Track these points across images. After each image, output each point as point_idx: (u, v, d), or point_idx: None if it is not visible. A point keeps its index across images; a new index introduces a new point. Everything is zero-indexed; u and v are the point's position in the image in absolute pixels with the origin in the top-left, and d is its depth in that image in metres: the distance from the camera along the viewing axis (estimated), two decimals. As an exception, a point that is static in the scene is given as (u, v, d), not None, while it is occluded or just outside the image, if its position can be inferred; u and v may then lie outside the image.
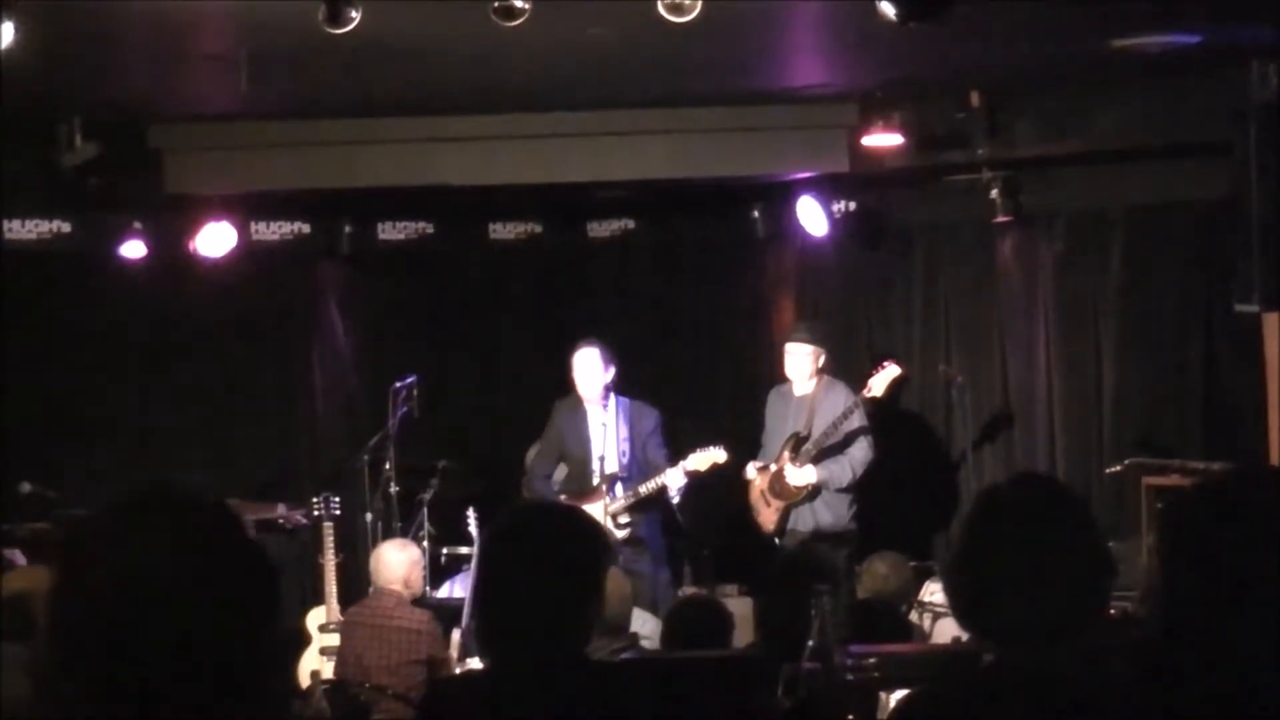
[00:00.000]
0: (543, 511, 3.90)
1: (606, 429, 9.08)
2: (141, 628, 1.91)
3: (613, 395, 9.11)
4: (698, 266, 11.15)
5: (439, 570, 9.27)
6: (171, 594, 1.92)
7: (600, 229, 11.39)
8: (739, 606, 8.08)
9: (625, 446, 9.04)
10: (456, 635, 7.88)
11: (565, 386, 9.22)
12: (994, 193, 9.64)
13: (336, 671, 7.82)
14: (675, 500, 8.96)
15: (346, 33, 6.57)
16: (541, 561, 3.20)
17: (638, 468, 9.01)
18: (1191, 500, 2.68)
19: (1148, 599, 4.76)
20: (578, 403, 9.15)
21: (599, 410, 9.10)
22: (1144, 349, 9.61)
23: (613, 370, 9.08)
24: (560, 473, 9.30)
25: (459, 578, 9.12)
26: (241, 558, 2.00)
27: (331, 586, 8.63)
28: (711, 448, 8.79)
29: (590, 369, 9.05)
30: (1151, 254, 9.61)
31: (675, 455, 8.92)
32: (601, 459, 9.02)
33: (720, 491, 9.50)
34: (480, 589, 3.31)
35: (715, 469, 8.84)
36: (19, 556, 7.95)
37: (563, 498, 8.97)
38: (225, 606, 1.94)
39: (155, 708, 1.91)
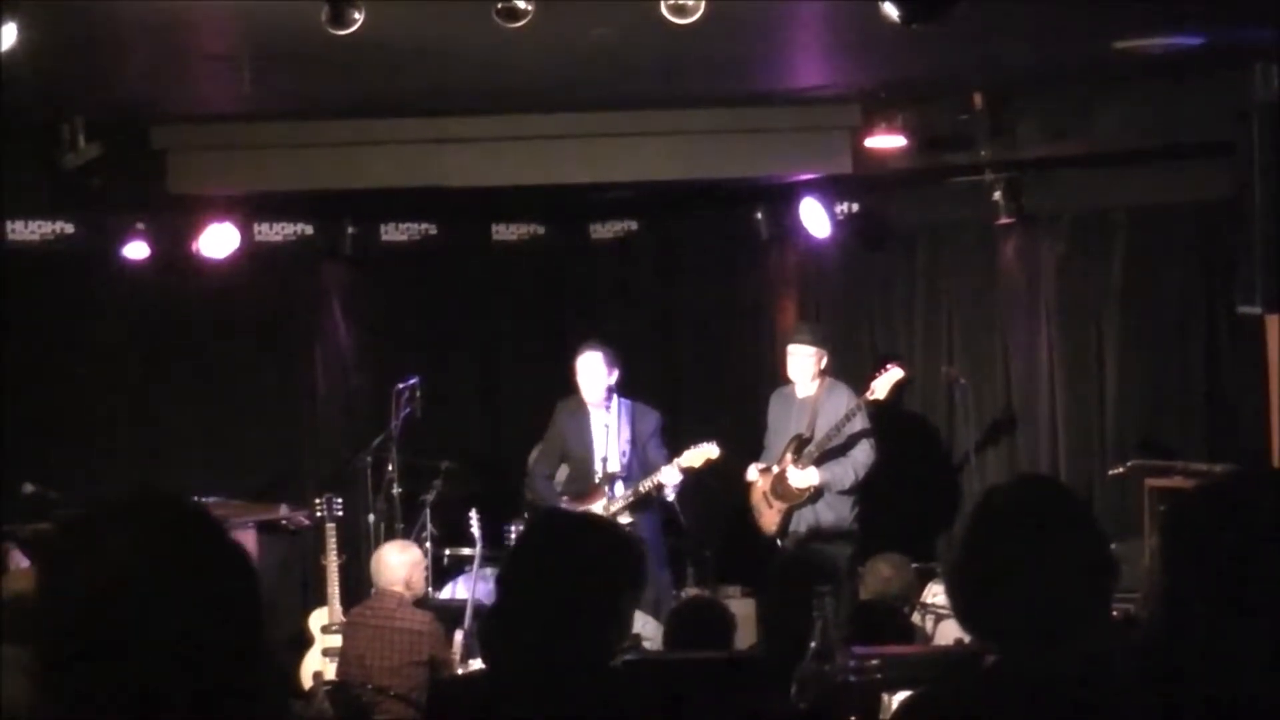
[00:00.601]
0: (579, 521, 3.85)
1: (609, 430, 9.08)
2: (122, 629, 1.91)
3: (615, 397, 9.12)
4: (700, 268, 11.15)
5: (441, 571, 9.28)
6: (150, 595, 1.92)
7: (603, 230, 11.40)
8: (741, 607, 8.09)
9: (627, 448, 9.05)
10: (459, 636, 7.88)
11: (567, 387, 9.22)
12: (996, 194, 9.64)
13: (339, 672, 7.83)
14: (670, 498, 8.96)
15: (349, 33, 6.57)
16: (570, 571, 3.19)
17: (639, 469, 9.01)
18: (1193, 502, 2.67)
19: (1149, 601, 4.75)
20: (580, 404, 9.15)
21: (602, 412, 9.11)
22: (1146, 350, 9.60)
23: (616, 373, 9.10)
24: (562, 474, 9.30)
25: (461, 579, 9.12)
26: (220, 558, 2.00)
27: (334, 587, 8.64)
28: (704, 444, 8.79)
29: (594, 372, 9.06)
30: (1154, 255, 9.59)
31: (674, 456, 8.92)
32: (604, 460, 9.03)
33: (721, 492, 9.50)
34: (502, 590, 3.28)
35: (709, 464, 8.84)
36: (21, 558, 7.95)
37: (564, 499, 8.98)
38: (206, 607, 1.94)
39: (149, 709, 1.91)
